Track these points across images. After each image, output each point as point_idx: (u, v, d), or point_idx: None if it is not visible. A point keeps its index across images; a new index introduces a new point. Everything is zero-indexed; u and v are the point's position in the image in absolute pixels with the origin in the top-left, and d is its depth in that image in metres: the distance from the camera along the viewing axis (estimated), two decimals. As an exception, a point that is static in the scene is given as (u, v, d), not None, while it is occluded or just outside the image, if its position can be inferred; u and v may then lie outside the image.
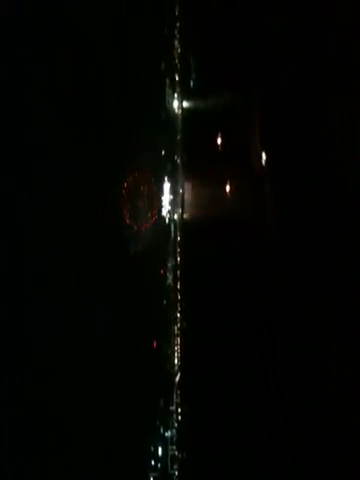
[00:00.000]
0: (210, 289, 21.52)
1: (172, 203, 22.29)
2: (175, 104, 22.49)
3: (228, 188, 22.09)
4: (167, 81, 22.36)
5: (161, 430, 21.25)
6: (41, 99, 21.09)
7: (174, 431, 21.27)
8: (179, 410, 21.37)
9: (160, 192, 22.20)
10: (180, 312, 21.82)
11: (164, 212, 22.23)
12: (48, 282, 21.11)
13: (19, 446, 20.22)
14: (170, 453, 21.12)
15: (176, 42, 22.51)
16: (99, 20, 21.72)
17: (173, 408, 21.37)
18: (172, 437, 21.23)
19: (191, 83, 22.55)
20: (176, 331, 21.71)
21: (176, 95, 22.51)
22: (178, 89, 22.49)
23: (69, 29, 21.59)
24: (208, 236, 21.73)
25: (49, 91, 21.28)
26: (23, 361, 20.61)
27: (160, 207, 22.21)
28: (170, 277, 22.01)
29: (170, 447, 21.14)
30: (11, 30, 21.14)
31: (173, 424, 21.31)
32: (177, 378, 21.57)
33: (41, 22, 21.65)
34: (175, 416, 21.35)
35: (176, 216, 22.29)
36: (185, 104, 22.52)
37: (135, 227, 21.97)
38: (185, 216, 22.32)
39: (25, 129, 20.95)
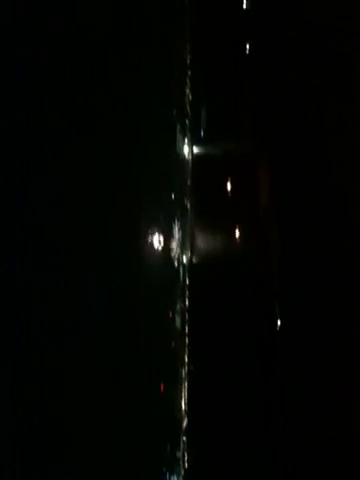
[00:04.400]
0: (219, 333, 21.42)
1: (181, 246, 22.34)
2: (185, 149, 22.82)
3: (237, 233, 22.24)
4: (178, 127, 22.70)
5: (168, 477, 20.73)
6: (49, 154, 21.22)
7: (181, 478, 20.78)
8: (186, 457, 20.93)
9: (169, 235, 22.26)
10: (188, 356, 21.62)
11: (173, 255, 22.25)
12: (52, 328, 20.83)
13: None
14: (177, 500, 20.65)
15: (187, 90, 22.95)
16: (111, 68, 22.10)
17: (180, 454, 20.94)
18: (179, 484, 20.78)
19: (201, 129, 22.92)
20: (184, 375, 21.45)
21: (186, 140, 22.84)
22: (188, 135, 22.83)
23: (79, 80, 21.82)
24: (217, 280, 21.77)
25: (58, 140, 21.42)
26: (21, 410, 20.10)
27: (169, 250, 22.24)
28: (178, 320, 21.88)
29: (177, 494, 20.67)
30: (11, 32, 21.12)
31: (180, 471, 20.84)
32: (184, 423, 21.19)
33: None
34: (182, 463, 20.90)
35: (185, 259, 22.31)
36: (195, 149, 22.87)
37: (143, 270, 21.91)
38: (194, 260, 22.36)
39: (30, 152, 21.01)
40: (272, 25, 21.82)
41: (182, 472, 20.88)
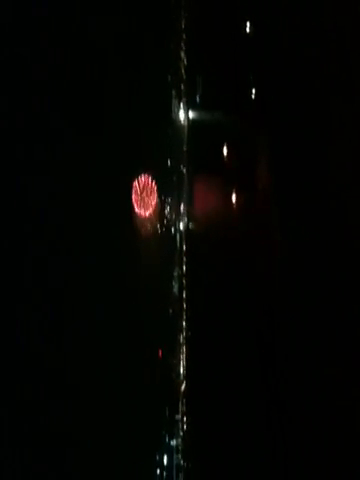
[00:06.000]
0: (215, 298, 21.62)
1: (178, 213, 22.41)
2: (181, 116, 22.63)
3: (233, 198, 22.26)
4: (173, 93, 22.50)
5: (167, 439, 21.27)
6: (52, 115, 21.19)
7: (180, 440, 21.28)
8: (185, 419, 21.40)
9: (166, 202, 22.32)
10: (185, 321, 21.89)
11: (170, 222, 22.35)
12: (54, 296, 21.14)
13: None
14: (176, 462, 21.13)
15: (182, 54, 22.66)
16: (107, 33, 21.85)
17: (179, 417, 21.40)
18: (178, 446, 21.25)
19: (197, 95, 22.69)
20: (181, 340, 21.77)
21: (182, 106, 22.64)
22: (184, 100, 22.62)
23: (78, 42, 21.65)
24: (213, 245, 21.86)
25: (59, 103, 21.37)
26: (26, 372, 20.53)
27: (166, 217, 22.33)
28: (176, 286, 22.09)
29: (176, 456, 21.16)
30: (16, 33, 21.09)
31: (179, 433, 21.33)
32: (183, 387, 21.60)
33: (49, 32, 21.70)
34: (181, 425, 21.38)
35: (182, 226, 22.40)
36: (191, 115, 22.67)
37: (141, 236, 22.06)
38: (190, 226, 22.43)
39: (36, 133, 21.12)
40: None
41: (181, 434, 21.36)
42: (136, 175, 22.15)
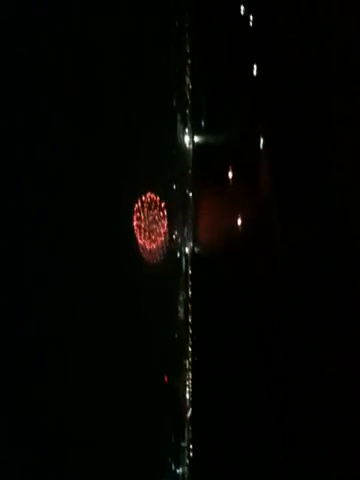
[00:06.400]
0: (222, 323, 21.40)
1: (183, 237, 22.30)
2: (186, 139, 22.66)
3: (239, 221, 22.15)
4: (178, 117, 22.55)
5: (173, 467, 20.90)
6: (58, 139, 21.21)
7: (186, 468, 20.92)
8: (191, 446, 21.05)
9: (171, 226, 22.24)
10: (191, 346, 21.66)
11: (175, 246, 22.24)
12: (58, 321, 20.93)
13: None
14: (182, 490, 20.81)
15: (187, 79, 22.76)
16: (111, 57, 21.96)
17: (185, 444, 21.06)
18: (184, 474, 20.89)
19: (202, 118, 22.74)
20: (188, 365, 21.51)
21: (187, 130, 22.67)
22: (189, 124, 22.66)
23: (83, 69, 21.70)
24: (219, 269, 21.71)
25: (63, 127, 21.37)
26: (33, 405, 20.24)
27: (171, 241, 22.22)
28: (181, 311, 21.91)
29: (182, 484, 20.84)
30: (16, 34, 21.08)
31: (185, 460, 20.97)
32: (189, 413, 21.28)
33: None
34: (187, 452, 21.02)
35: (187, 250, 22.27)
36: (196, 139, 22.70)
37: (147, 260, 21.93)
38: (196, 250, 22.31)
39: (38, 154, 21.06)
40: (271, 18, 21.70)
41: (187, 461, 21.01)
42: (142, 200, 22.09)
